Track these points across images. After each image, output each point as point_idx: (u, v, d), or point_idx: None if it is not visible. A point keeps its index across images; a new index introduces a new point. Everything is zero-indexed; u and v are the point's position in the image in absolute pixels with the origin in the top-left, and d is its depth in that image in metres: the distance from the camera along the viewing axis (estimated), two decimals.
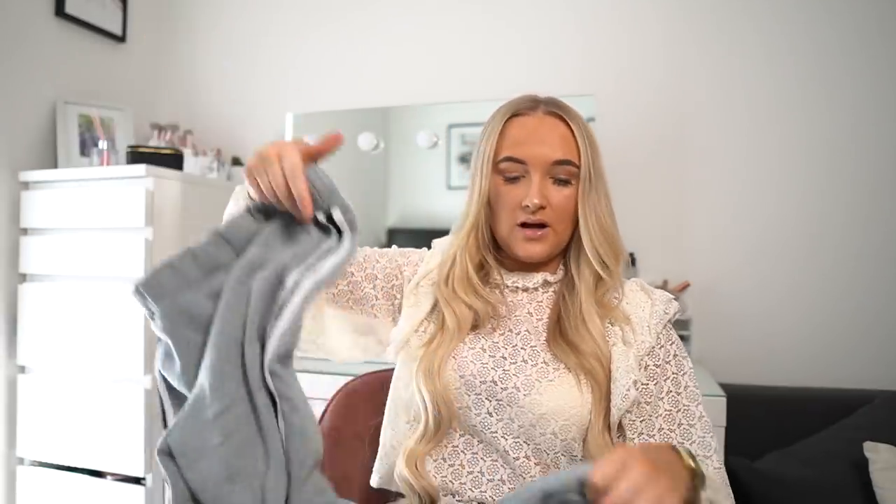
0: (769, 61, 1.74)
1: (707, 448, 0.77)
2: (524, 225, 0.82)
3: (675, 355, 0.81)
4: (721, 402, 1.28)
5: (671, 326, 0.84)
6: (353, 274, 0.88)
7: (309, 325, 0.85)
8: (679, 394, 0.79)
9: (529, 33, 1.93)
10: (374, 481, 0.91)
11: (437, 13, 2.03)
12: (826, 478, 1.28)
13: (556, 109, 0.84)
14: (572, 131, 0.82)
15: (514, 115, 0.84)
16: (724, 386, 1.39)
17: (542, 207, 0.80)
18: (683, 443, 0.77)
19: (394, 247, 0.95)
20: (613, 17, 1.86)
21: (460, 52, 2.00)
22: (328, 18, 2.14)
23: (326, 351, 0.88)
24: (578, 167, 0.82)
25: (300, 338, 0.71)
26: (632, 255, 1.76)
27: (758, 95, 1.75)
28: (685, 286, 1.71)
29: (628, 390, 0.76)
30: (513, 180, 0.82)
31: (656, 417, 0.78)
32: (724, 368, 1.71)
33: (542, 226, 0.82)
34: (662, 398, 0.79)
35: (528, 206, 0.80)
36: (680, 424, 0.78)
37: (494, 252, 0.88)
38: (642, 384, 0.79)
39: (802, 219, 1.72)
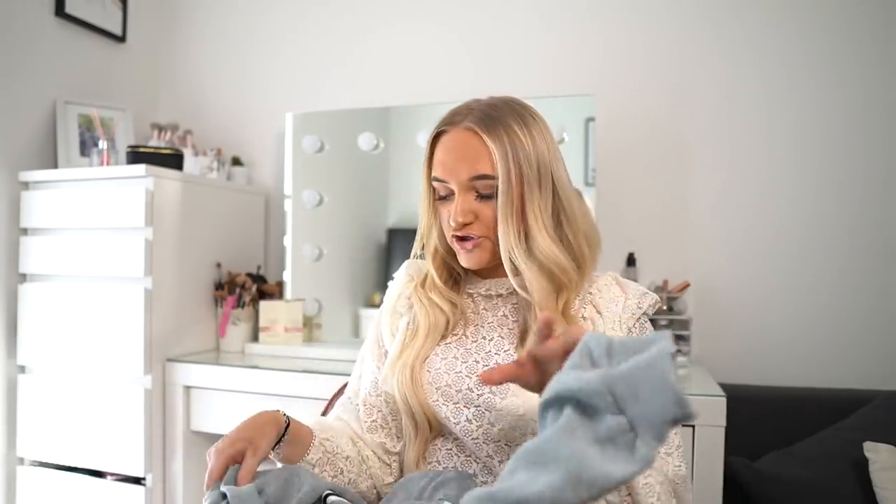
0: (767, 62, 1.74)
1: (668, 445, 0.77)
2: (457, 238, 0.84)
3: None
4: (721, 402, 1.28)
5: (646, 320, 0.84)
6: (380, 410, 0.89)
7: None
8: None
9: (529, 33, 1.94)
10: None
11: (437, 13, 2.03)
12: (826, 478, 1.28)
13: (472, 124, 0.80)
14: (486, 144, 0.79)
15: (440, 132, 0.84)
16: (723, 386, 1.39)
17: (467, 224, 0.82)
18: None
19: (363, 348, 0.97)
20: (613, 18, 1.86)
21: (460, 52, 2.00)
22: (328, 18, 2.14)
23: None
24: (497, 178, 0.79)
25: None
26: (632, 255, 1.76)
27: (756, 96, 1.75)
28: (685, 286, 1.71)
29: None
30: (443, 199, 0.85)
31: None
32: (723, 368, 1.71)
33: (471, 238, 0.83)
34: None
35: (451, 225, 0.82)
36: None
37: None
38: None
39: (802, 219, 1.72)
